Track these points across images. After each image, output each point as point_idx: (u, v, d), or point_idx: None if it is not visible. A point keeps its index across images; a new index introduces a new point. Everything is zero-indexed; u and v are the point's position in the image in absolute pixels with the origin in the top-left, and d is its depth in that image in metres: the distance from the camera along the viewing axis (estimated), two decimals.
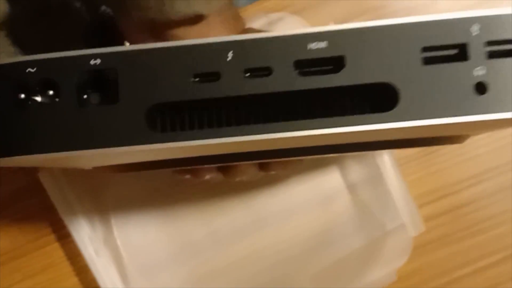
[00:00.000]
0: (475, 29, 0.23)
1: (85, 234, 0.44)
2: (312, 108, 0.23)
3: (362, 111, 0.23)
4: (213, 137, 0.23)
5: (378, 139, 0.28)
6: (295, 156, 0.35)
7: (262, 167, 0.39)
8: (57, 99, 0.23)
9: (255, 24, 0.44)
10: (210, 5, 0.33)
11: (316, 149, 0.30)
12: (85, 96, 0.24)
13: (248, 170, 0.39)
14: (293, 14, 0.46)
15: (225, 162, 0.36)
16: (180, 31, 0.34)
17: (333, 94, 0.23)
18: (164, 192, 0.45)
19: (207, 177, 0.40)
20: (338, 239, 0.46)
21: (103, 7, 0.51)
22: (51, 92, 0.24)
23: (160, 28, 0.33)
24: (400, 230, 0.45)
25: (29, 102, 0.24)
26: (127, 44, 0.39)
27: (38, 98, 0.24)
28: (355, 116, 0.23)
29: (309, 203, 0.46)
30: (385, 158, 0.44)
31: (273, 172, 0.41)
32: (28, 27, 0.45)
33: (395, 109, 0.22)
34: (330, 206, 0.46)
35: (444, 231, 0.47)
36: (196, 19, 0.33)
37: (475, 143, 0.46)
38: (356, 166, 0.46)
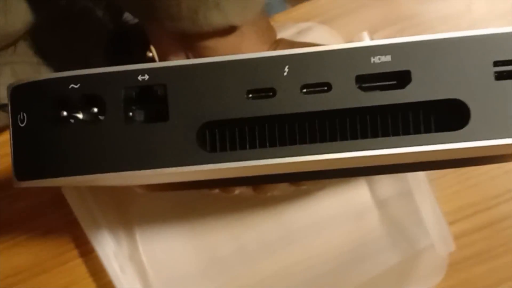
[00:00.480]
0: None
1: (110, 249, 0.43)
2: (374, 127, 0.22)
3: (428, 130, 0.22)
4: (265, 158, 0.22)
5: (435, 158, 0.26)
6: (343, 177, 0.34)
7: (293, 182, 0.38)
8: (102, 117, 0.22)
9: (283, 34, 0.44)
10: (244, 16, 0.32)
11: (359, 170, 0.28)
12: (132, 114, 0.22)
13: (280, 185, 0.38)
14: (322, 24, 0.45)
15: (266, 182, 0.35)
16: (212, 42, 0.33)
17: (397, 111, 0.22)
18: (191, 206, 0.45)
19: (237, 192, 0.38)
20: (370, 256, 0.45)
21: (125, 15, 0.50)
22: (95, 110, 0.22)
23: (192, 39, 0.33)
24: (433, 248, 0.44)
25: (72, 120, 0.22)
26: (153, 51, 0.38)
27: (81, 116, 0.22)
28: (420, 135, 0.21)
29: (339, 218, 0.45)
30: (417, 173, 0.43)
31: (304, 187, 0.40)
32: (51, 36, 0.44)
33: (466, 128, 0.21)
34: (361, 222, 0.45)
35: (482, 247, 0.46)
36: (229, 30, 0.32)
37: None
38: (385, 181, 0.45)
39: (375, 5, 0.46)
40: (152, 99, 0.22)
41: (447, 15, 0.45)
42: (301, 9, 0.46)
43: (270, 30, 0.38)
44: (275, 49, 0.35)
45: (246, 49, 0.34)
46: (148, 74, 0.22)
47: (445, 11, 0.45)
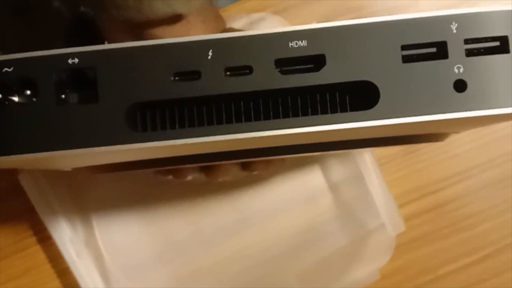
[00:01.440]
0: (453, 27, 0.23)
1: (66, 236, 0.43)
2: (293, 107, 0.23)
3: (344, 109, 0.23)
4: (194, 136, 0.23)
5: (359, 137, 0.28)
6: (276, 155, 0.35)
7: (244, 167, 0.39)
8: (35, 99, 0.23)
9: (236, 24, 0.44)
10: (189, 5, 0.33)
11: (297, 147, 0.30)
12: (63, 96, 0.23)
13: (231, 170, 0.39)
14: (274, 14, 0.46)
15: (206, 161, 0.36)
16: (159, 30, 0.33)
17: (314, 92, 0.23)
18: (147, 192, 0.45)
19: (189, 177, 0.39)
20: (322, 238, 0.46)
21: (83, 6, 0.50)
22: (28, 92, 0.23)
23: (139, 27, 0.33)
24: (382, 229, 0.45)
25: (6, 102, 0.23)
26: (106, 43, 0.39)
27: (16, 98, 0.23)
28: (336, 114, 0.23)
29: (293, 202, 0.46)
30: (366, 157, 0.45)
31: (255, 172, 0.41)
32: (7, 27, 0.44)
33: (375, 107, 0.23)
34: (313, 205, 0.46)
35: (428, 229, 0.47)
36: (175, 18, 0.33)
37: (458, 141, 0.47)
38: (338, 165, 0.46)
39: None
40: (83, 81, 0.23)
41: (394, 6, 0.47)
42: (253, 0, 0.47)
43: (218, 20, 0.38)
44: None
45: None
46: (78, 58, 0.23)
47: (393, 3, 0.47)
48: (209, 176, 0.39)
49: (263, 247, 0.46)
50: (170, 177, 0.40)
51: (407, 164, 0.47)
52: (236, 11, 0.46)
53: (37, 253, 0.46)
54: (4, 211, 0.46)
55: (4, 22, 0.45)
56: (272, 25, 0.45)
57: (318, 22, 0.44)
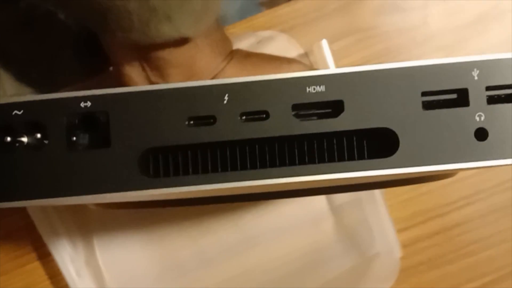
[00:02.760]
0: (475, 74, 0.23)
1: (66, 254, 0.43)
2: (310, 153, 0.23)
3: (361, 157, 0.23)
4: (207, 183, 0.23)
5: (372, 181, 0.27)
6: (285, 197, 0.35)
7: (243, 201, 0.39)
8: (45, 142, 0.23)
9: (243, 44, 0.44)
10: (196, 28, 0.32)
11: (307, 191, 0.29)
12: (75, 140, 0.23)
13: (231, 203, 0.38)
14: (282, 33, 0.46)
15: (217, 203, 0.36)
16: (165, 53, 0.33)
17: (331, 138, 0.23)
18: (148, 211, 0.45)
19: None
20: (326, 261, 0.45)
21: None
22: (39, 135, 0.23)
23: (145, 50, 0.33)
24: (387, 252, 0.45)
25: (16, 145, 0.23)
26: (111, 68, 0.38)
27: (25, 141, 0.23)
28: (353, 162, 0.23)
29: (297, 223, 0.46)
30: None
31: None
32: (11, 40, 0.44)
33: (395, 155, 0.22)
34: (317, 227, 0.46)
35: (433, 253, 0.47)
36: (182, 41, 0.32)
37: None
38: None
39: (334, 16, 0.46)
40: (95, 125, 0.23)
41: (404, 27, 0.46)
42: (261, 17, 0.46)
43: (225, 41, 0.38)
44: (229, 61, 0.36)
45: (200, 60, 0.34)
46: (90, 101, 0.23)
47: (401, 24, 0.46)
48: None
49: (266, 268, 0.45)
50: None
51: (413, 186, 0.46)
52: (243, 29, 0.46)
53: (36, 269, 0.46)
54: (4, 227, 0.45)
55: (10, 35, 0.45)
56: (280, 44, 0.45)
57: (327, 42, 0.44)
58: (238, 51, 0.37)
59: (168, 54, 0.33)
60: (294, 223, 0.45)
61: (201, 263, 0.45)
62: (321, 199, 0.45)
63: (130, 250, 0.45)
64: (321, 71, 0.23)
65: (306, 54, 0.45)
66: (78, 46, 0.49)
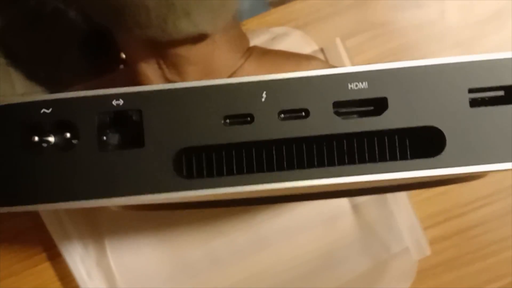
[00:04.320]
0: None
1: (77, 254, 0.42)
2: (349, 153, 0.22)
3: (404, 157, 0.22)
4: (242, 184, 0.22)
5: (411, 182, 0.27)
6: (318, 199, 0.34)
7: (272, 203, 0.38)
8: (75, 141, 0.22)
9: (258, 40, 0.43)
10: (215, 24, 0.32)
11: (342, 192, 0.28)
12: (106, 140, 0.22)
13: (258, 205, 0.38)
14: (296, 29, 0.45)
15: (246, 205, 0.35)
16: (183, 49, 0.32)
17: (374, 137, 0.22)
18: (160, 212, 0.44)
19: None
20: (342, 262, 0.45)
21: None
22: (68, 135, 0.22)
23: (163, 46, 0.32)
24: (405, 253, 0.44)
25: (44, 145, 0.22)
26: (123, 55, 0.38)
27: (53, 140, 0.22)
28: (396, 162, 0.22)
29: (312, 222, 0.45)
30: None
31: None
32: (20, 37, 0.44)
33: (441, 155, 0.22)
34: (334, 227, 0.45)
35: (452, 254, 0.46)
36: (200, 38, 0.32)
37: None
38: None
39: (349, 11, 0.45)
40: (127, 124, 0.22)
41: (420, 23, 0.45)
42: (274, 13, 0.45)
43: (243, 38, 0.37)
44: (247, 58, 0.35)
45: (218, 57, 0.34)
46: (123, 99, 0.22)
47: (418, 19, 0.45)
48: None
49: (278, 270, 0.45)
50: None
51: None
52: (257, 25, 0.45)
53: (46, 270, 0.45)
54: (14, 227, 0.45)
55: (17, 33, 0.45)
56: (294, 40, 0.44)
57: (340, 37, 0.43)
58: (256, 48, 0.37)
59: (186, 51, 0.32)
60: (310, 223, 0.45)
61: (212, 264, 0.44)
62: (340, 198, 0.44)
63: (141, 251, 0.44)
64: (364, 66, 0.22)
65: (321, 51, 0.44)
66: (86, 45, 0.48)
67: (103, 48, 0.48)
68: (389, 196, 0.43)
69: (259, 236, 0.45)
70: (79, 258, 0.42)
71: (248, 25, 0.45)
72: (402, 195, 0.43)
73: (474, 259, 0.46)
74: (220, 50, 0.33)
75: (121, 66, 0.45)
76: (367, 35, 0.45)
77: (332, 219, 0.45)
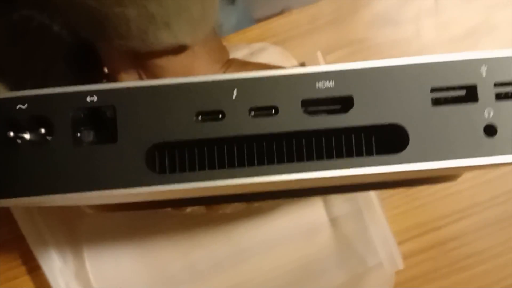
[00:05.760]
0: (483, 70, 0.23)
1: (56, 266, 0.42)
2: (318, 149, 0.23)
3: (369, 153, 0.23)
4: (214, 179, 0.22)
5: (377, 180, 0.27)
6: (291, 197, 0.34)
7: (246, 201, 0.38)
8: (49, 138, 0.22)
9: (237, 54, 0.44)
10: (194, 35, 0.32)
11: (311, 190, 0.29)
12: (80, 135, 0.23)
13: (231, 203, 0.38)
14: (275, 45, 0.46)
15: (219, 202, 0.35)
16: (163, 60, 0.33)
17: (340, 134, 0.23)
18: (139, 223, 0.44)
19: (189, 209, 0.38)
20: (320, 274, 0.45)
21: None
22: (43, 130, 0.22)
23: (143, 57, 0.33)
24: (381, 266, 0.44)
25: (18, 141, 0.22)
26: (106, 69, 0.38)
27: (29, 136, 0.22)
28: (363, 157, 0.22)
29: (291, 235, 0.45)
30: (367, 193, 0.44)
31: (256, 205, 0.40)
32: (5, 52, 0.44)
33: (404, 151, 0.22)
34: (313, 239, 0.45)
35: (429, 267, 0.46)
36: (180, 49, 0.32)
37: (459, 178, 0.46)
38: (340, 199, 0.45)
39: (328, 28, 0.46)
40: (101, 120, 0.22)
41: (396, 40, 0.46)
42: (254, 30, 0.46)
43: (222, 50, 0.38)
44: (227, 69, 0.36)
45: (197, 68, 0.34)
46: (97, 96, 0.22)
47: (395, 36, 0.47)
48: (209, 209, 0.38)
49: (258, 281, 0.45)
50: (169, 209, 0.39)
51: (408, 200, 0.46)
52: (237, 41, 0.46)
53: (26, 283, 0.45)
54: None
55: (2, 47, 0.45)
56: (273, 55, 0.45)
57: (321, 53, 0.44)
58: (235, 60, 0.37)
59: (166, 62, 0.33)
60: (289, 235, 0.45)
61: (192, 276, 0.44)
62: (319, 210, 0.45)
63: (120, 262, 0.44)
64: (330, 66, 0.23)
65: (301, 65, 0.45)
66: (72, 59, 0.49)
67: (89, 62, 0.49)
68: (365, 209, 0.44)
69: (239, 248, 0.45)
70: (58, 271, 0.42)
71: (229, 41, 0.46)
72: (377, 209, 0.44)
73: (451, 272, 0.46)
74: (200, 61, 0.34)
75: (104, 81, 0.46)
76: (345, 51, 0.46)
77: (310, 231, 0.45)
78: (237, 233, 0.45)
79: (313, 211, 0.45)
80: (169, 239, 0.45)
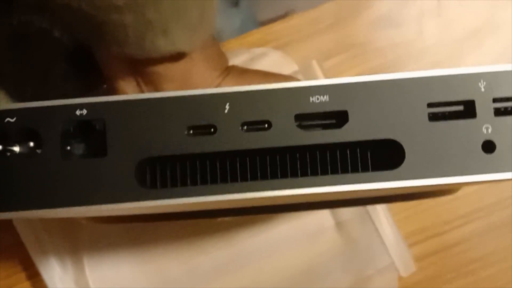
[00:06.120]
0: (481, 85, 0.22)
1: (56, 273, 0.42)
2: (312, 164, 0.23)
3: (365, 169, 0.22)
4: (206, 194, 0.22)
5: (376, 195, 0.27)
6: (287, 211, 0.34)
7: (242, 215, 0.38)
8: (38, 151, 0.22)
9: (237, 60, 0.44)
10: (192, 42, 0.32)
11: (309, 205, 0.29)
12: (69, 148, 0.22)
13: (227, 216, 0.38)
14: (276, 50, 0.45)
15: (213, 216, 0.35)
16: (161, 67, 0.33)
17: (335, 149, 0.22)
18: (140, 230, 0.44)
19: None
20: (323, 278, 0.45)
21: None
22: (32, 144, 0.22)
23: (141, 64, 0.32)
24: (387, 271, 0.44)
25: (7, 154, 0.22)
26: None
27: (18, 150, 0.22)
28: (358, 174, 0.22)
29: (294, 239, 0.45)
30: None
31: None
32: (4, 57, 0.44)
33: (400, 167, 0.22)
34: (316, 243, 0.45)
35: (434, 272, 0.46)
36: (178, 56, 0.32)
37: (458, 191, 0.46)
38: None
39: (329, 32, 0.46)
40: (91, 134, 0.22)
41: (399, 42, 0.46)
42: (255, 34, 0.46)
43: (221, 57, 0.38)
44: (225, 76, 0.35)
45: (195, 75, 0.34)
46: (86, 109, 0.22)
47: (397, 38, 0.46)
48: (208, 216, 0.38)
49: (261, 286, 0.45)
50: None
51: (412, 204, 0.46)
52: (237, 46, 0.46)
53: None
54: None
55: (2, 52, 0.45)
56: (274, 60, 0.44)
57: (320, 58, 0.44)
58: (234, 67, 0.37)
59: (164, 69, 0.33)
60: (291, 240, 0.45)
61: (193, 282, 0.44)
62: (325, 215, 0.45)
63: (120, 269, 0.44)
64: (325, 80, 0.22)
65: (300, 71, 0.44)
66: (72, 63, 0.49)
67: (89, 66, 0.49)
68: (373, 213, 0.44)
69: (241, 253, 0.44)
70: (57, 277, 0.42)
71: (230, 45, 0.46)
72: (385, 213, 0.44)
73: (456, 277, 0.46)
74: (198, 68, 0.34)
75: (105, 86, 0.45)
76: (347, 55, 0.46)
77: (315, 235, 0.45)
78: (240, 238, 0.45)
79: (319, 216, 0.45)
80: (170, 245, 0.44)
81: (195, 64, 0.33)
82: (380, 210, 0.44)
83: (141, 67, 0.33)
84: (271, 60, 0.44)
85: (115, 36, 0.30)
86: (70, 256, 0.43)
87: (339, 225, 0.44)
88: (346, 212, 0.44)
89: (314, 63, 0.42)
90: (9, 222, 0.43)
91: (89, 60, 0.46)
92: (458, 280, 0.46)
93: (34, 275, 0.44)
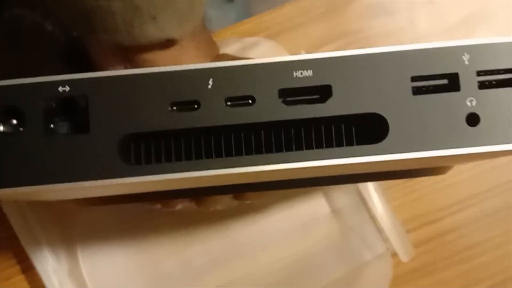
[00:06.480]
0: (465, 58, 0.22)
1: (49, 266, 0.42)
2: (297, 139, 0.22)
3: (350, 143, 0.22)
4: (191, 170, 0.22)
5: (363, 171, 0.27)
6: (275, 189, 0.34)
7: (236, 196, 0.38)
8: (21, 129, 0.22)
9: (229, 49, 0.43)
10: (182, 29, 0.32)
11: (297, 182, 0.29)
12: (52, 126, 0.22)
13: (222, 200, 0.38)
14: (268, 39, 0.45)
15: (200, 195, 0.34)
16: (150, 55, 0.32)
17: (319, 124, 0.22)
18: (134, 221, 0.44)
19: (179, 206, 0.38)
20: (317, 268, 0.45)
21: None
22: (15, 121, 0.22)
23: (130, 51, 0.32)
24: (382, 258, 0.44)
25: None
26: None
27: (2, 128, 0.22)
28: (342, 148, 0.22)
29: (287, 230, 0.45)
30: (367, 184, 0.43)
31: (248, 202, 0.40)
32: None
33: (384, 141, 0.22)
34: (311, 232, 0.45)
35: (427, 259, 0.46)
36: (167, 43, 0.32)
37: (456, 168, 0.45)
38: (340, 191, 0.45)
39: (321, 20, 0.46)
40: (73, 110, 0.22)
41: (391, 30, 0.46)
42: (246, 24, 0.46)
43: (212, 45, 0.38)
44: None
45: (186, 63, 0.34)
46: (69, 85, 0.22)
47: (389, 26, 0.46)
48: (200, 205, 0.38)
49: (254, 278, 0.44)
50: (159, 206, 0.38)
51: (405, 192, 0.46)
52: (229, 35, 0.45)
53: (21, 282, 0.44)
54: None
55: None
56: (265, 49, 0.44)
57: (311, 48, 0.44)
58: (225, 56, 0.37)
59: (153, 56, 0.32)
60: (285, 231, 0.45)
61: (187, 273, 0.44)
62: (320, 203, 0.44)
63: (114, 260, 0.44)
64: (308, 55, 0.22)
65: None
66: (66, 58, 0.48)
67: (83, 61, 0.48)
68: (368, 201, 0.44)
69: (235, 243, 0.44)
70: (51, 269, 0.42)
71: (221, 35, 0.46)
72: (381, 199, 0.43)
73: (450, 265, 0.46)
74: (188, 55, 0.34)
75: None
76: (339, 43, 0.46)
77: (308, 225, 0.44)
78: (233, 229, 0.44)
79: (313, 204, 0.45)
80: (164, 237, 0.44)
81: (185, 52, 0.33)
82: (375, 197, 0.43)
83: (131, 55, 0.32)
84: (262, 49, 0.44)
85: (104, 23, 0.30)
86: (64, 248, 0.43)
87: (334, 212, 0.44)
88: (341, 200, 0.44)
89: (304, 52, 0.42)
90: (2, 215, 0.43)
91: (82, 54, 0.46)
92: (453, 267, 0.46)
93: (28, 268, 0.44)
